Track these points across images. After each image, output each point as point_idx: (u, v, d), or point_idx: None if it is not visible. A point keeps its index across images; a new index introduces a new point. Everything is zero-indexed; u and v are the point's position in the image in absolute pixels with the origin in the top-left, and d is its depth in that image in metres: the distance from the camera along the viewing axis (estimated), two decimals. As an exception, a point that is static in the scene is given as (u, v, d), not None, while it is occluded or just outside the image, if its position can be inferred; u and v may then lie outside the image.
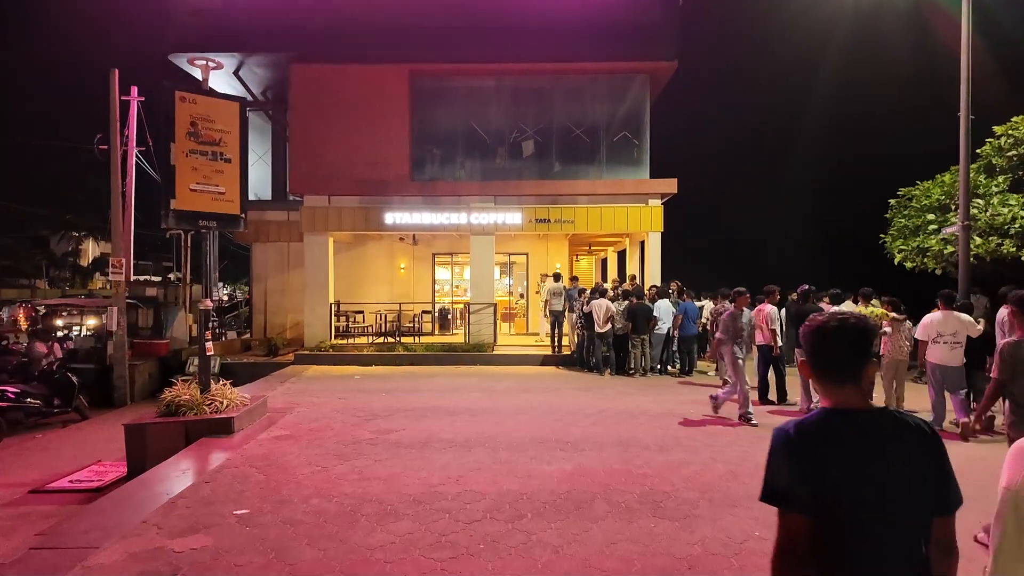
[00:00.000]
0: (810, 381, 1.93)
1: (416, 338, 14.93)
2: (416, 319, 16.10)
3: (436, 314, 16.79)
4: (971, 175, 11.96)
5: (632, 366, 11.91)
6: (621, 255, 20.64)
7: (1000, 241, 9.81)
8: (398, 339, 14.40)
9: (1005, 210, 10.11)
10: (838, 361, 1.62)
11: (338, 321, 15.40)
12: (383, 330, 15.38)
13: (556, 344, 13.40)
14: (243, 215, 7.75)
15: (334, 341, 14.25)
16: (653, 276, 14.01)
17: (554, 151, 14.64)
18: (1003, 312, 6.60)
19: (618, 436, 7.04)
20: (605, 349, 11.83)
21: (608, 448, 6.48)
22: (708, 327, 11.76)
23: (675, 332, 11.86)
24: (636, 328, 11.59)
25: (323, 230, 14.21)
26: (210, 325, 18.25)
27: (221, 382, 7.89)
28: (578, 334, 12.85)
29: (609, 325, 11.60)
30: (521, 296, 17.19)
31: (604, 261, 22.89)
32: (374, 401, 9.12)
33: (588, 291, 13.22)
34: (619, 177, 14.38)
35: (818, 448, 1.53)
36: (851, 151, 42.13)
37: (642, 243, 16.54)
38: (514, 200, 14.13)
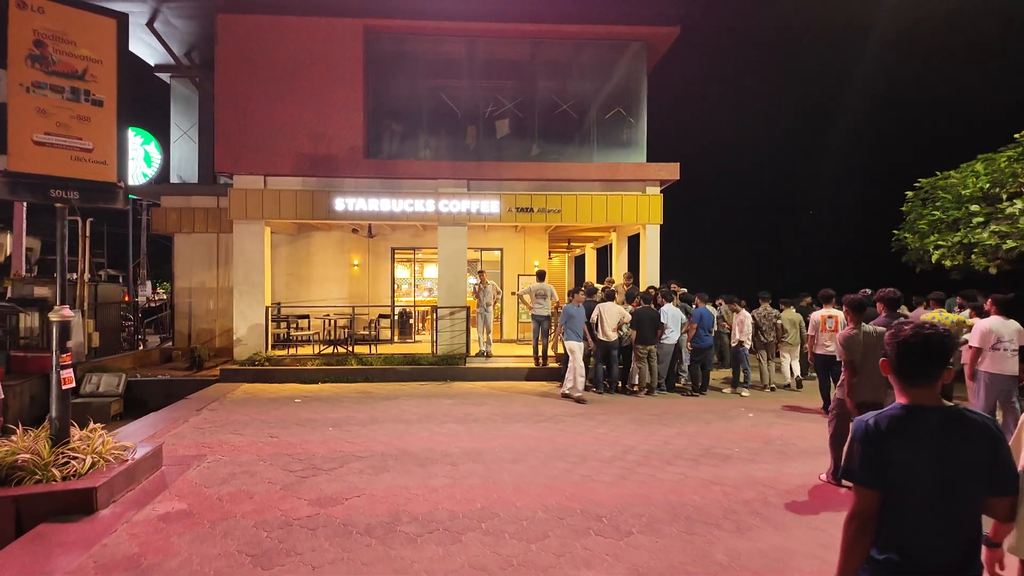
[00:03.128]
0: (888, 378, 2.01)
1: (372, 347, 12.60)
2: (372, 325, 13.74)
3: (396, 318, 14.46)
4: (1011, 164, 10.53)
5: (635, 382, 9.99)
6: (601, 253, 18.76)
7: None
8: (350, 349, 12.03)
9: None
10: (917, 369, 1.88)
11: (277, 327, 12.90)
12: (332, 338, 12.98)
13: (541, 355, 11.33)
14: (121, 184, 5.33)
15: (271, 352, 11.77)
16: (651, 276, 12.10)
17: (536, 129, 12.54)
18: None
19: (665, 500, 5.00)
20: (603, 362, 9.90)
21: (663, 527, 4.42)
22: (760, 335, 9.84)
23: (689, 343, 9.96)
24: (643, 337, 9.64)
25: (257, 217, 11.70)
26: (126, 330, 15.38)
27: (91, 425, 5.47)
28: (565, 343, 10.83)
29: (616, 334, 9.63)
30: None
31: (580, 259, 20.98)
32: (317, 440, 6.81)
33: (578, 292, 11.30)
34: (612, 160, 12.38)
35: (890, 438, 1.85)
36: (878, 136, 38.49)
37: (630, 238, 14.73)
38: (491, 185, 11.96)
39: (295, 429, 7.34)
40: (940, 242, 10.81)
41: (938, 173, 12.79)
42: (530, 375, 11.14)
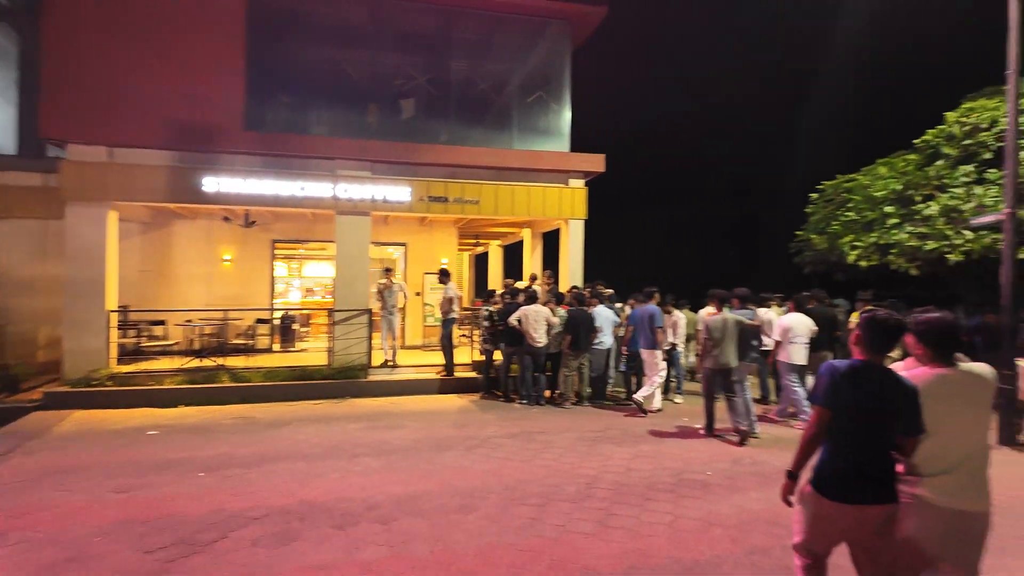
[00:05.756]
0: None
1: (249, 358, 10.54)
2: (249, 331, 11.60)
3: (277, 324, 12.38)
4: (919, 168, 10.86)
5: (561, 391, 8.98)
6: (508, 251, 17.73)
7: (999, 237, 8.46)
8: (221, 362, 9.88)
9: (990, 202, 8.84)
10: (882, 341, 2.63)
11: (125, 336, 10.41)
12: (199, 348, 10.71)
13: (450, 363, 10.00)
14: None
15: (116, 368, 9.35)
16: (573, 275, 11.17)
17: (451, 110, 11.11)
18: None
19: (669, 555, 3.96)
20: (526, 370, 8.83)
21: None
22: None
23: (625, 348, 9.14)
24: (577, 343, 8.65)
25: (99, 198, 9.24)
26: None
27: None
28: (485, 350, 9.62)
29: (547, 339, 8.59)
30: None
31: (481, 258, 19.80)
32: (187, 494, 5.00)
33: (498, 294, 10.14)
34: (533, 147, 11.28)
35: (847, 378, 2.58)
36: (786, 133, 38.01)
37: (545, 235, 13.82)
38: (400, 170, 10.36)
39: (152, 478, 5.42)
40: (856, 243, 10.93)
41: (838, 176, 13.13)
42: (444, 387, 9.77)
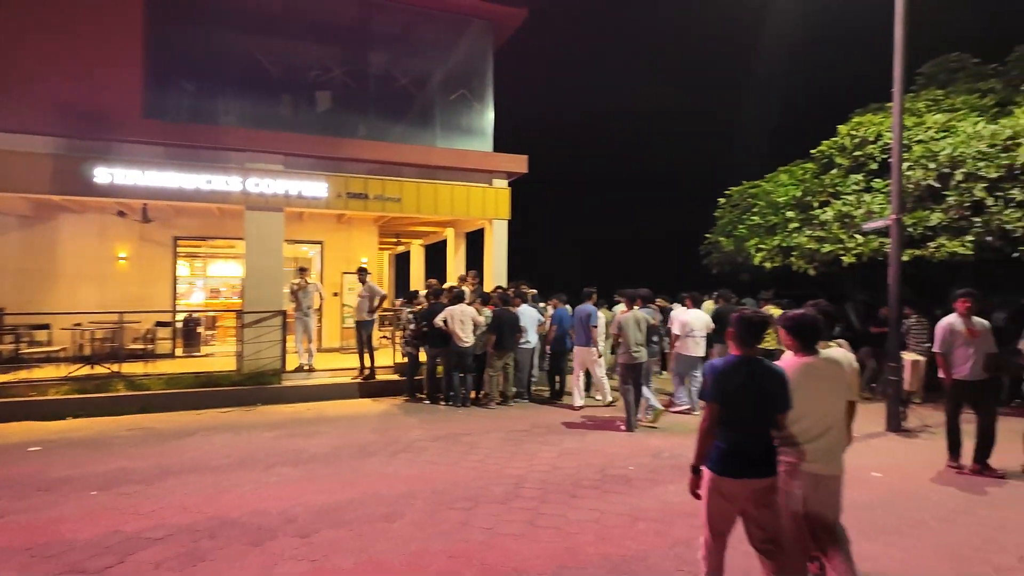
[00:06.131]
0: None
1: (148, 364, 9.75)
2: (148, 335, 10.74)
3: (180, 327, 11.54)
4: (815, 176, 11.69)
5: (486, 391, 8.95)
6: (430, 251, 17.47)
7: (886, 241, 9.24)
8: (116, 369, 9.05)
9: (877, 208, 9.64)
10: (751, 336, 2.95)
11: (0, 342, 9.34)
12: (89, 353, 9.78)
13: (370, 366, 9.72)
14: None
15: (-10, 378, 8.37)
16: (498, 275, 11.15)
17: (371, 103, 10.79)
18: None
19: (597, 553, 4.01)
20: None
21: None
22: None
23: (548, 347, 9.24)
24: (502, 342, 8.64)
25: (-32, 188, 8.25)
26: None
27: None
28: (408, 352, 9.40)
29: (472, 339, 8.52)
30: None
31: (402, 257, 19.40)
32: (76, 515, 4.51)
33: (421, 294, 9.97)
34: (456, 146, 11.16)
35: (727, 373, 2.91)
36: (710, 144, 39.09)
37: (468, 235, 13.73)
38: (315, 164, 9.92)
39: (36, 499, 4.86)
40: (761, 245, 11.63)
41: (744, 182, 13.91)
42: (363, 390, 9.47)
